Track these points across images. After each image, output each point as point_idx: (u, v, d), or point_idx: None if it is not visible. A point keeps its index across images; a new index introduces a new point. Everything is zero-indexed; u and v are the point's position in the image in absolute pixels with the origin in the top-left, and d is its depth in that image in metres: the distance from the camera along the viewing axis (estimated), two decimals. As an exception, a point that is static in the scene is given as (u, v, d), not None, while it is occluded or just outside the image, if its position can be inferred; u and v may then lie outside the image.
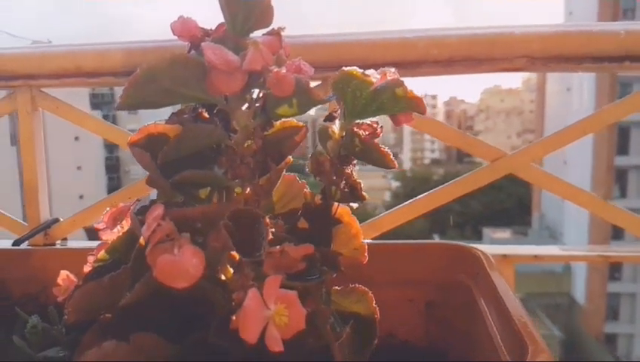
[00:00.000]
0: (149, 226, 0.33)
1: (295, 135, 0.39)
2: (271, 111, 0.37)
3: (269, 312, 0.29)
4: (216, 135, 0.37)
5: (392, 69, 0.39)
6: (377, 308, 0.39)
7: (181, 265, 0.30)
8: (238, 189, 0.39)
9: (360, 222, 0.72)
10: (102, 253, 0.43)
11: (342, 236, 0.41)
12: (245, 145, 0.37)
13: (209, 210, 0.34)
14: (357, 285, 0.40)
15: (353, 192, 0.39)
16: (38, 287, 0.56)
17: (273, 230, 0.40)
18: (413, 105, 0.36)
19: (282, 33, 0.38)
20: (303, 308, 0.31)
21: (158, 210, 0.33)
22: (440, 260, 0.53)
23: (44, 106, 0.65)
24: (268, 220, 0.34)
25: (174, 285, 0.30)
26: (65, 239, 0.68)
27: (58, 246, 0.64)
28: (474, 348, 0.46)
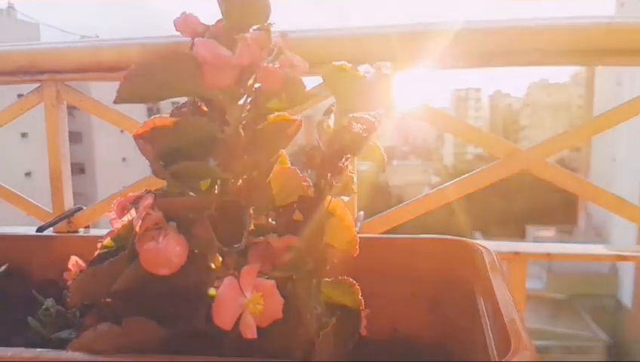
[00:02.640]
0: (139, 215, 0.34)
1: (288, 129, 0.39)
2: (262, 105, 0.38)
3: (245, 300, 0.30)
4: (208, 128, 0.38)
5: (388, 63, 0.39)
6: (363, 300, 0.39)
7: (164, 253, 0.31)
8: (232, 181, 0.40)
9: (373, 216, 0.72)
10: (107, 241, 0.45)
11: (334, 229, 0.41)
12: (238, 138, 0.38)
13: (196, 201, 0.35)
14: (345, 277, 0.40)
15: (344, 186, 0.39)
16: (57, 272, 0.59)
17: (272, 221, 0.42)
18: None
19: (280, 28, 0.39)
20: (280, 297, 0.31)
21: (149, 200, 0.35)
22: (444, 256, 0.53)
23: (68, 99, 0.68)
24: (252, 211, 0.35)
25: (157, 272, 0.32)
26: (87, 227, 0.72)
27: (78, 234, 0.67)
28: (471, 345, 0.46)
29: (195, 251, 0.37)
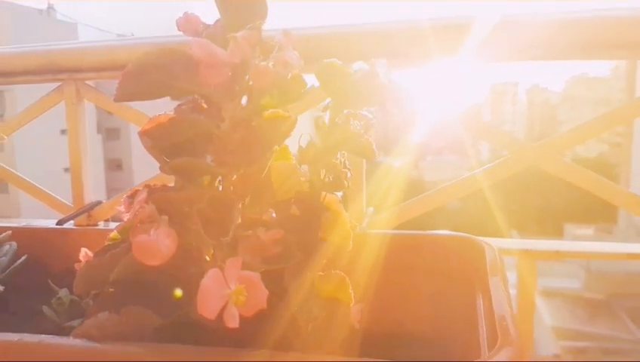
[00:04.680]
0: (134, 209, 0.36)
1: (282, 125, 0.40)
2: (256, 102, 0.39)
3: (229, 291, 0.31)
4: (205, 125, 0.39)
5: (383, 60, 0.40)
6: (353, 294, 0.40)
7: (154, 244, 0.33)
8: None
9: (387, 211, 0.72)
10: (114, 233, 0.47)
11: (329, 224, 0.42)
12: (233, 134, 0.39)
13: (187, 195, 0.36)
14: (338, 271, 0.41)
15: (336, 182, 0.40)
16: (74, 264, 0.61)
17: (274, 215, 0.43)
18: (390, 97, 0.36)
19: (268, 26, 0.39)
20: (265, 289, 0.32)
21: (143, 194, 0.36)
22: (448, 252, 0.53)
23: (87, 97, 0.71)
24: (240, 205, 0.36)
25: (148, 263, 0.33)
26: (107, 220, 0.74)
27: (97, 227, 0.70)
28: (468, 341, 0.46)
29: (191, 244, 0.38)
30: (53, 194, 0.74)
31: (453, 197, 0.65)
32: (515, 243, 0.63)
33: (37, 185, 0.76)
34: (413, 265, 0.54)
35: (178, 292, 0.35)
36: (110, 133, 15.83)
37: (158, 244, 0.32)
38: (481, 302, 0.44)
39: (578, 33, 0.57)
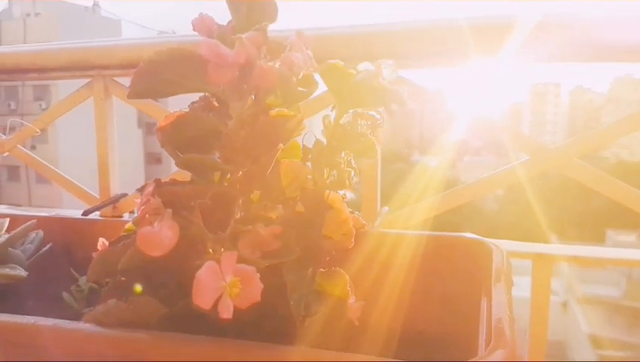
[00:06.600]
0: (142, 201, 0.37)
1: (287, 124, 0.41)
2: (262, 101, 0.40)
3: (224, 283, 0.32)
4: (213, 122, 0.40)
5: (390, 61, 0.40)
6: (350, 291, 0.40)
7: (157, 236, 0.34)
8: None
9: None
10: (129, 224, 0.49)
11: (332, 221, 0.42)
12: (239, 132, 0.40)
13: (191, 190, 0.37)
14: (337, 268, 0.41)
15: (339, 180, 0.40)
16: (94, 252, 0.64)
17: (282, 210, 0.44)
18: (390, 97, 0.37)
19: (270, 27, 0.40)
20: (260, 283, 0.33)
21: (150, 188, 0.38)
22: (458, 253, 0.53)
23: (115, 94, 0.73)
24: (245, 201, 0.37)
25: (151, 253, 0.35)
26: (132, 212, 0.77)
27: (120, 218, 0.73)
28: (471, 342, 0.46)
29: (195, 237, 0.39)
30: (81, 186, 0.77)
31: (470, 199, 0.64)
32: (529, 246, 0.62)
33: (66, 176, 0.79)
34: (423, 264, 0.54)
35: (181, 283, 0.37)
36: (150, 128, 16.19)
37: (161, 236, 0.34)
38: (485, 304, 0.44)
39: (624, 33, 0.56)
